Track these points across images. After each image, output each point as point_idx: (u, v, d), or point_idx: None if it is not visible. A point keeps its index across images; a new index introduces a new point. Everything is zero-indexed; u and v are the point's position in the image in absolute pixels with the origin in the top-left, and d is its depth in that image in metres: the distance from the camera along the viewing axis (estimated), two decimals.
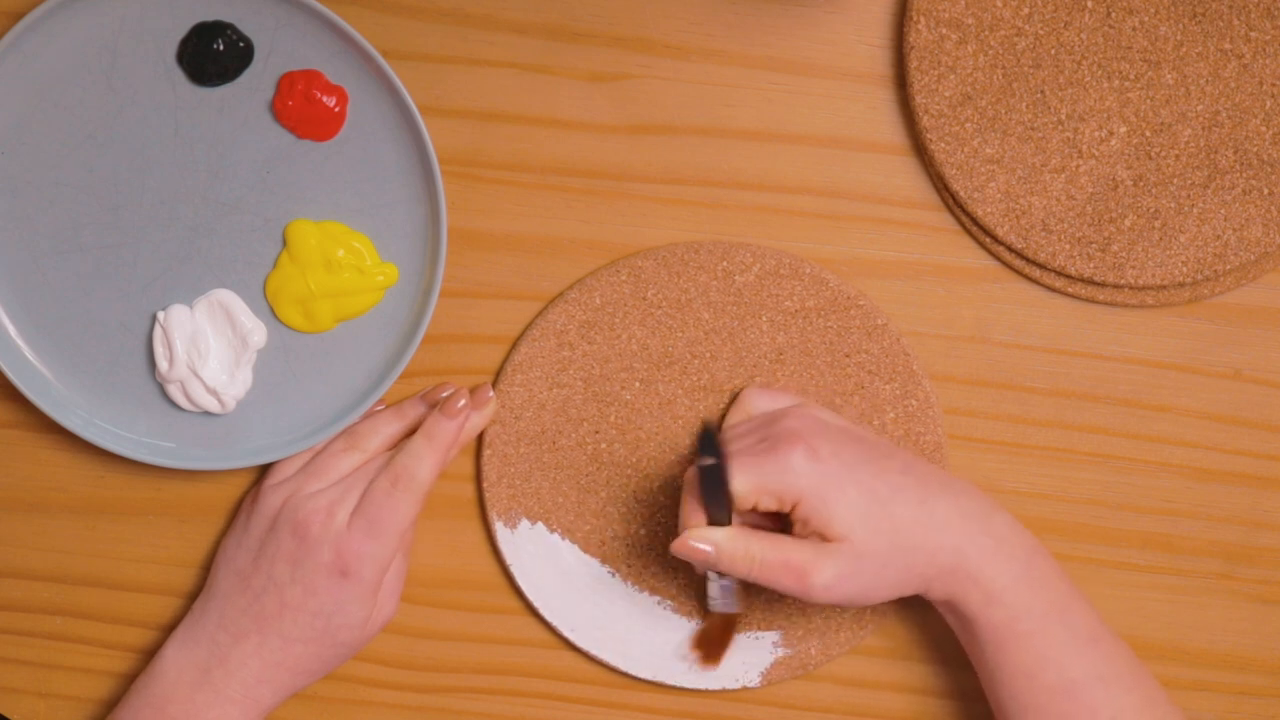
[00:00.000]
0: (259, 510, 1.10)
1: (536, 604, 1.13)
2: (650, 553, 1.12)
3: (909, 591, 1.04)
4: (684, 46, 1.09)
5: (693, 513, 1.03)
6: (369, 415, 1.11)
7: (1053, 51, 1.06)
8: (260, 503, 1.10)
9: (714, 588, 1.08)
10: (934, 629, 1.13)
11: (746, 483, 1.02)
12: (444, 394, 1.11)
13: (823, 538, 1.02)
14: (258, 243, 1.09)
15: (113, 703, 1.15)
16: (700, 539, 1.02)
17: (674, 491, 1.11)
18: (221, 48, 1.06)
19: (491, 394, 1.10)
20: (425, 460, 1.08)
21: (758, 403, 1.09)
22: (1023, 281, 1.10)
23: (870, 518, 1.02)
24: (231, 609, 1.10)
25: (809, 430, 1.03)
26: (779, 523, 1.06)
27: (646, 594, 1.13)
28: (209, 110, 1.07)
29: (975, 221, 1.09)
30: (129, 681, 1.14)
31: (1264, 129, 1.06)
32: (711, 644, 1.11)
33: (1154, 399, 1.11)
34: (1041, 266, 1.09)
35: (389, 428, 1.10)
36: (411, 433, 1.10)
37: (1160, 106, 1.06)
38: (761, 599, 1.12)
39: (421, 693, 1.15)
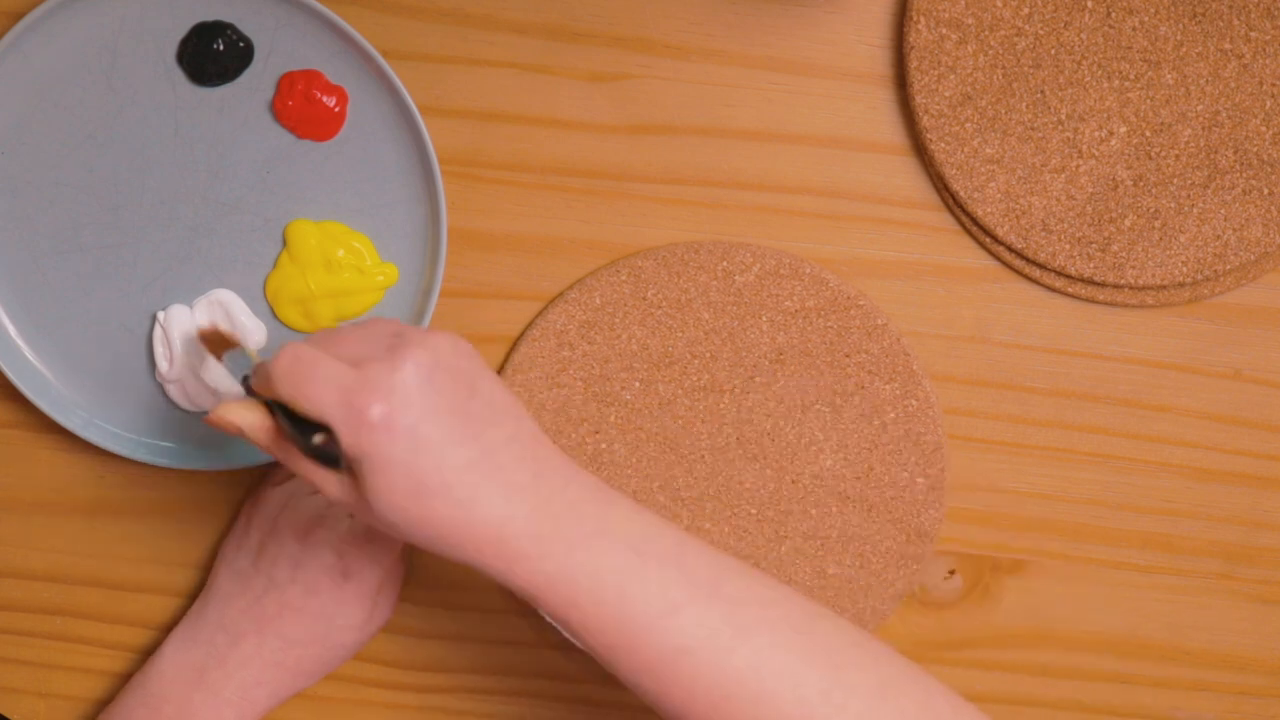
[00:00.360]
0: (260, 512, 1.10)
1: None
2: None
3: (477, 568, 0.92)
4: (684, 46, 1.09)
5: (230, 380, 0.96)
6: None
7: (1053, 51, 1.06)
8: (261, 504, 1.10)
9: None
10: (933, 629, 1.13)
11: (310, 405, 0.91)
12: None
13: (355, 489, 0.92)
14: (258, 243, 1.09)
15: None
16: (231, 414, 0.94)
17: (673, 491, 1.11)
18: (221, 48, 1.06)
19: None
20: None
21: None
22: (1023, 281, 1.10)
23: (404, 507, 0.91)
24: (231, 610, 1.10)
25: (410, 381, 0.90)
26: None
27: None
28: (209, 110, 1.07)
29: (975, 221, 1.09)
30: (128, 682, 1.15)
31: (1264, 129, 1.06)
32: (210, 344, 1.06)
33: (1154, 399, 1.11)
34: (1041, 266, 1.09)
35: None
36: None
37: (1160, 106, 1.06)
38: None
39: (421, 693, 1.15)
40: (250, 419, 0.95)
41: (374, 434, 0.90)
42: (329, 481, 0.93)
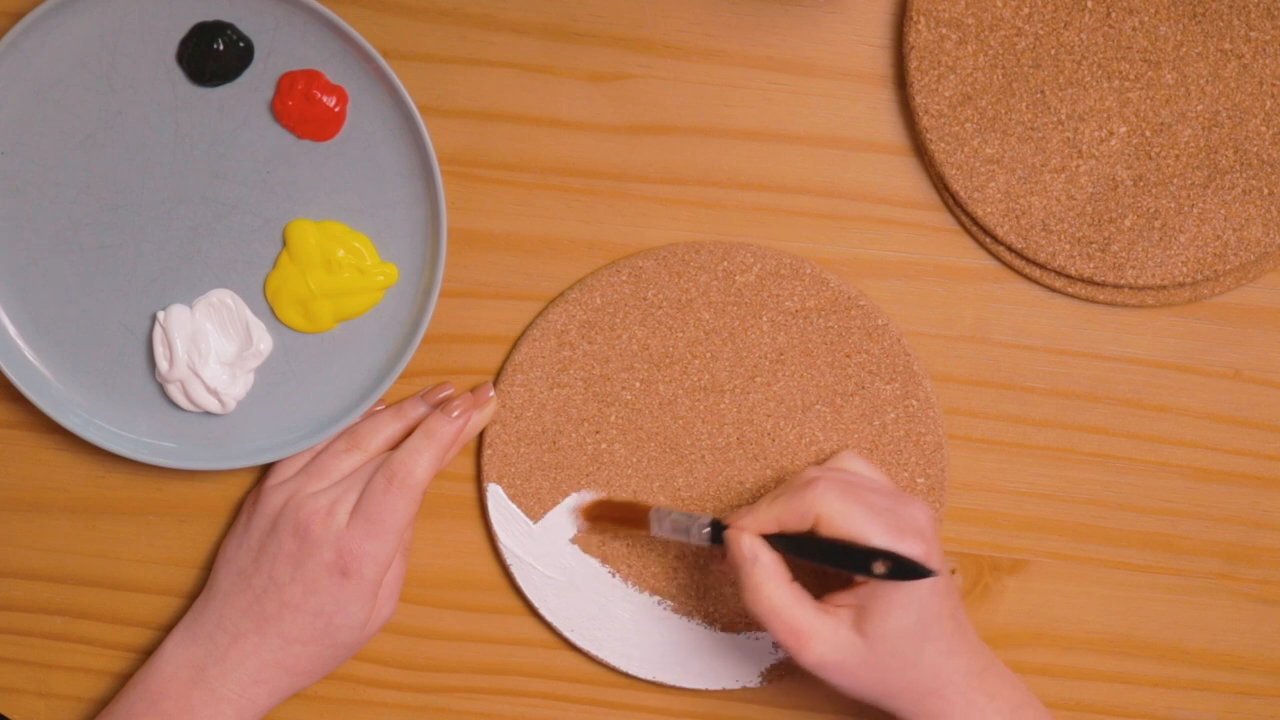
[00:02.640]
0: (260, 510, 1.10)
1: (536, 604, 1.13)
2: (650, 553, 1.12)
3: (883, 709, 1.04)
4: (684, 46, 1.09)
5: (766, 517, 1.03)
6: (369, 415, 1.11)
7: (1053, 51, 1.06)
8: (261, 503, 1.10)
9: (687, 529, 1.06)
10: None
11: (874, 540, 1.01)
12: (444, 394, 1.11)
13: (855, 623, 1.02)
14: (258, 243, 1.09)
15: None
16: (755, 547, 1.02)
17: (673, 491, 1.11)
18: (221, 48, 1.06)
19: (492, 393, 1.10)
20: (423, 458, 1.08)
21: (857, 467, 1.09)
22: (1023, 281, 1.10)
23: (903, 643, 1.02)
24: (231, 609, 1.10)
25: (932, 539, 1.03)
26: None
27: (646, 594, 1.13)
28: (209, 110, 1.07)
29: (975, 221, 1.09)
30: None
31: (1264, 129, 1.06)
32: (607, 519, 1.10)
33: (1154, 399, 1.11)
34: (1041, 266, 1.09)
35: (389, 428, 1.10)
36: (412, 432, 1.10)
37: (1160, 106, 1.06)
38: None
39: (421, 693, 1.15)
40: (765, 555, 1.02)
41: (929, 558, 1.01)
42: (815, 629, 1.02)
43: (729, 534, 1.03)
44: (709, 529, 1.05)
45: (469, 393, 1.10)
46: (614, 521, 1.11)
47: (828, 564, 1.01)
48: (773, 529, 1.03)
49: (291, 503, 1.09)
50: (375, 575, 1.08)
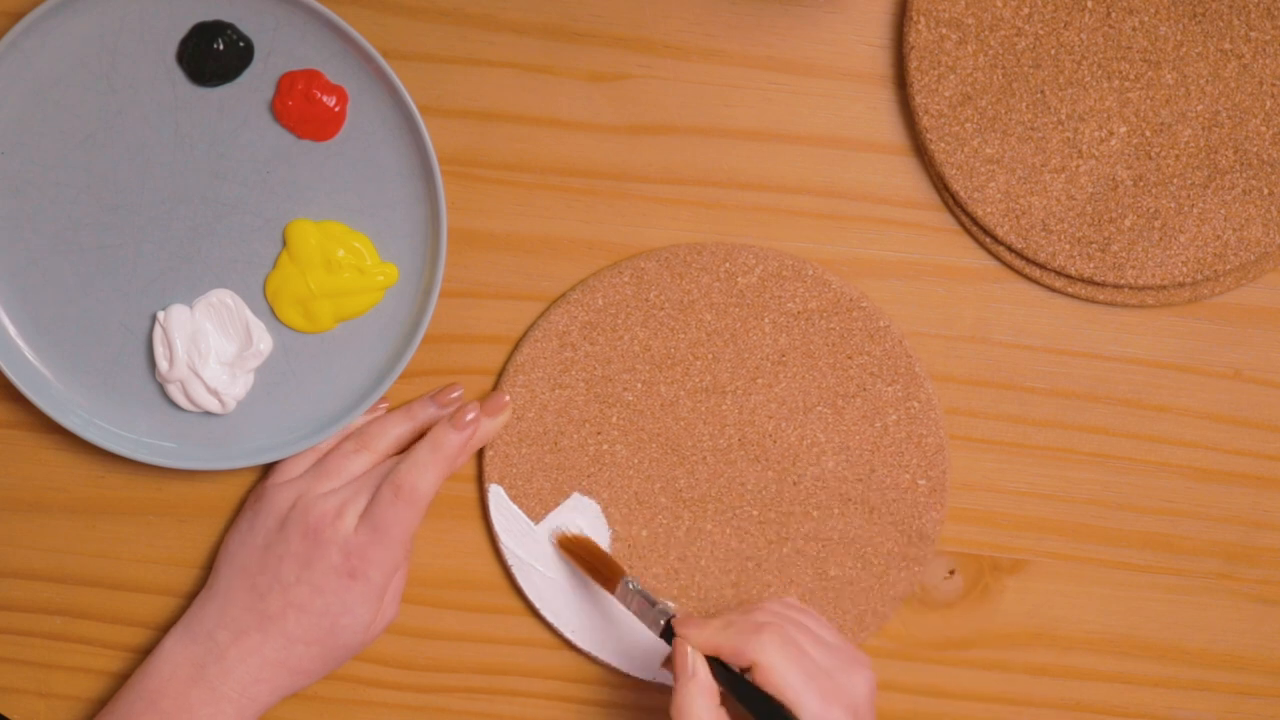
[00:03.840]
0: (266, 508, 1.10)
1: (536, 604, 1.13)
2: (651, 554, 1.12)
3: None
4: (684, 46, 1.09)
5: (709, 640, 1.04)
6: (380, 416, 1.11)
7: (1053, 51, 1.06)
8: (267, 501, 1.10)
9: (647, 613, 1.07)
10: (933, 629, 1.13)
11: (804, 708, 1.01)
12: (453, 394, 1.10)
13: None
14: (258, 243, 1.09)
15: None
16: (696, 663, 1.03)
17: (675, 493, 1.11)
18: (221, 48, 1.06)
19: (507, 399, 1.10)
20: (429, 471, 1.08)
21: (807, 621, 1.09)
22: (1023, 281, 1.10)
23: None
24: (233, 607, 1.09)
25: (866, 713, 1.03)
26: None
27: None
28: (209, 110, 1.07)
29: (975, 221, 1.09)
30: None
31: (1264, 129, 1.06)
32: (579, 559, 1.11)
33: (1154, 399, 1.11)
34: (1041, 266, 1.09)
35: (399, 429, 1.10)
36: (422, 433, 1.10)
37: (1160, 106, 1.07)
38: (763, 599, 1.12)
39: (421, 693, 1.15)
40: (703, 672, 1.04)
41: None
42: None
43: (677, 641, 1.04)
44: (665, 624, 1.06)
45: (477, 402, 1.10)
46: (584, 566, 1.10)
47: (751, 710, 1.02)
48: (711, 653, 1.03)
49: (300, 503, 1.09)
50: (381, 579, 1.08)
